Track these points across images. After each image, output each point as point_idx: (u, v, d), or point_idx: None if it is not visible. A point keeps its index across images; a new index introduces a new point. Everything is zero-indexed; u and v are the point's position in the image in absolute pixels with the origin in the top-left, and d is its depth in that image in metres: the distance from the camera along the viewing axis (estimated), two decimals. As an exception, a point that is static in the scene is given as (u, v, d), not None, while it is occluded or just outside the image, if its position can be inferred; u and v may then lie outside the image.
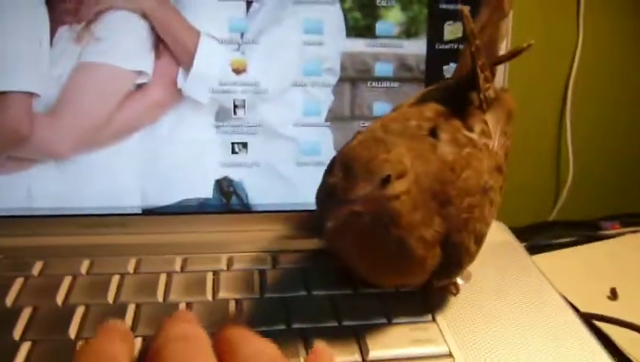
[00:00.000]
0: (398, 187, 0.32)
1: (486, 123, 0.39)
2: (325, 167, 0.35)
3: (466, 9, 0.38)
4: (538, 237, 0.67)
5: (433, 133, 0.37)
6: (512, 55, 0.41)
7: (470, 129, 0.38)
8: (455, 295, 0.41)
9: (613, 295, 0.55)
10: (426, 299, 0.39)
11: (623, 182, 0.81)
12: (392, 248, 0.33)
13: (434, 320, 0.38)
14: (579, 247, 0.65)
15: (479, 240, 0.37)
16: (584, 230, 0.70)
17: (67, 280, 0.40)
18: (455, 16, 0.49)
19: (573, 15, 0.72)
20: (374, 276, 0.38)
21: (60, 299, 0.39)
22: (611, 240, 0.67)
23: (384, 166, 0.31)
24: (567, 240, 0.66)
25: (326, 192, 0.33)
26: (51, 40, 0.45)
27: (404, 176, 0.32)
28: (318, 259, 0.44)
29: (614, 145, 0.79)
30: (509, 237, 0.50)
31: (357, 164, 0.31)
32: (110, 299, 0.39)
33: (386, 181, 0.31)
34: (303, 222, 0.48)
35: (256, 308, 0.38)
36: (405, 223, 0.33)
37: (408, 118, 0.38)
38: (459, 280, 0.41)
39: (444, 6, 0.49)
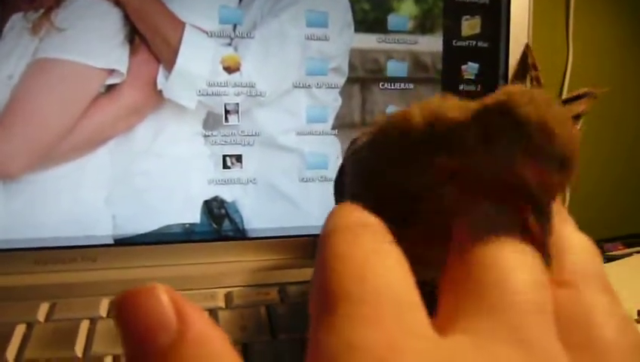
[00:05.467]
0: None
1: None
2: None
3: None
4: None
5: None
6: None
7: None
8: None
9: (642, 316, 0.53)
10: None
11: (622, 202, 0.79)
12: None
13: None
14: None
15: None
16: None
17: (20, 330, 0.33)
18: (472, 10, 0.45)
19: (563, 29, 0.70)
20: None
21: (11, 354, 0.31)
22: (618, 261, 0.64)
23: None
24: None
25: None
26: (0, 30, 0.38)
27: None
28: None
29: (615, 164, 0.77)
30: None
31: None
32: (79, 351, 0.32)
33: None
34: (310, 248, 0.43)
35: (269, 352, 0.32)
36: None
37: None
38: None
39: (459, -2, 0.45)
